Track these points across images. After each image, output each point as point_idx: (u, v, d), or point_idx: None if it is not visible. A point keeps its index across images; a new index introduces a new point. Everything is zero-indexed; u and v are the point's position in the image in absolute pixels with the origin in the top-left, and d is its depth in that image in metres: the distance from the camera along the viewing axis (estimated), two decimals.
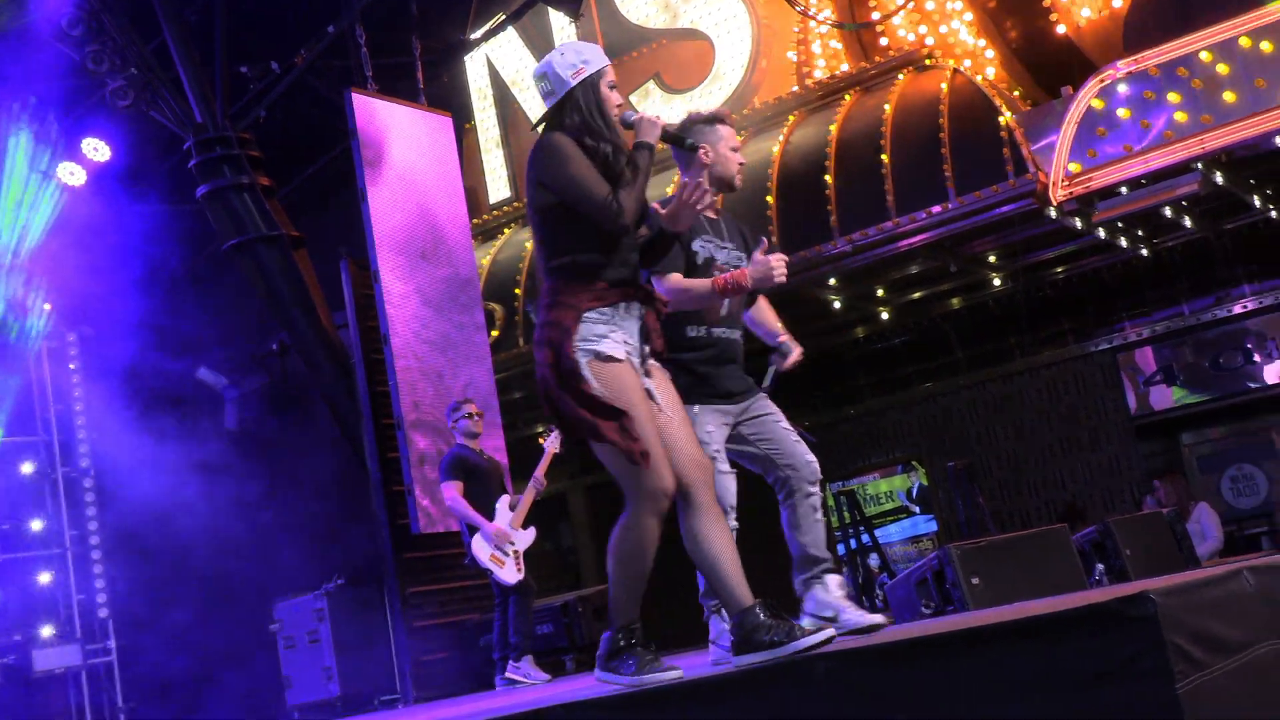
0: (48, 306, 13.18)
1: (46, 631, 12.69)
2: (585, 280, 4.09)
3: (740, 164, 5.01)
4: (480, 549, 8.72)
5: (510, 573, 8.73)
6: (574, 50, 4.28)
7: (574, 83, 4.20)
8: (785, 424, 4.94)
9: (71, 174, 12.96)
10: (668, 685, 3.73)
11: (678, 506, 4.10)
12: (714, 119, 5.03)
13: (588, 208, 4.06)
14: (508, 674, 8.83)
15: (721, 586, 4.03)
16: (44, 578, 12.98)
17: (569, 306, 4.06)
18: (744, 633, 3.87)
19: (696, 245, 4.88)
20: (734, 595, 3.98)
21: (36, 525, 13.03)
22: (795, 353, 5.02)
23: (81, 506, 13.29)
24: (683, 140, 4.36)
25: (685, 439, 4.15)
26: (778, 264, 4.59)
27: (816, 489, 4.88)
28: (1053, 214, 10.05)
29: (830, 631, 3.85)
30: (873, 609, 6.45)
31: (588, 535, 14.38)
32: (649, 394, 4.12)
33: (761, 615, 3.88)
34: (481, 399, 10.64)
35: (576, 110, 4.19)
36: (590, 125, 4.17)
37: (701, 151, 4.71)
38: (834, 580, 4.79)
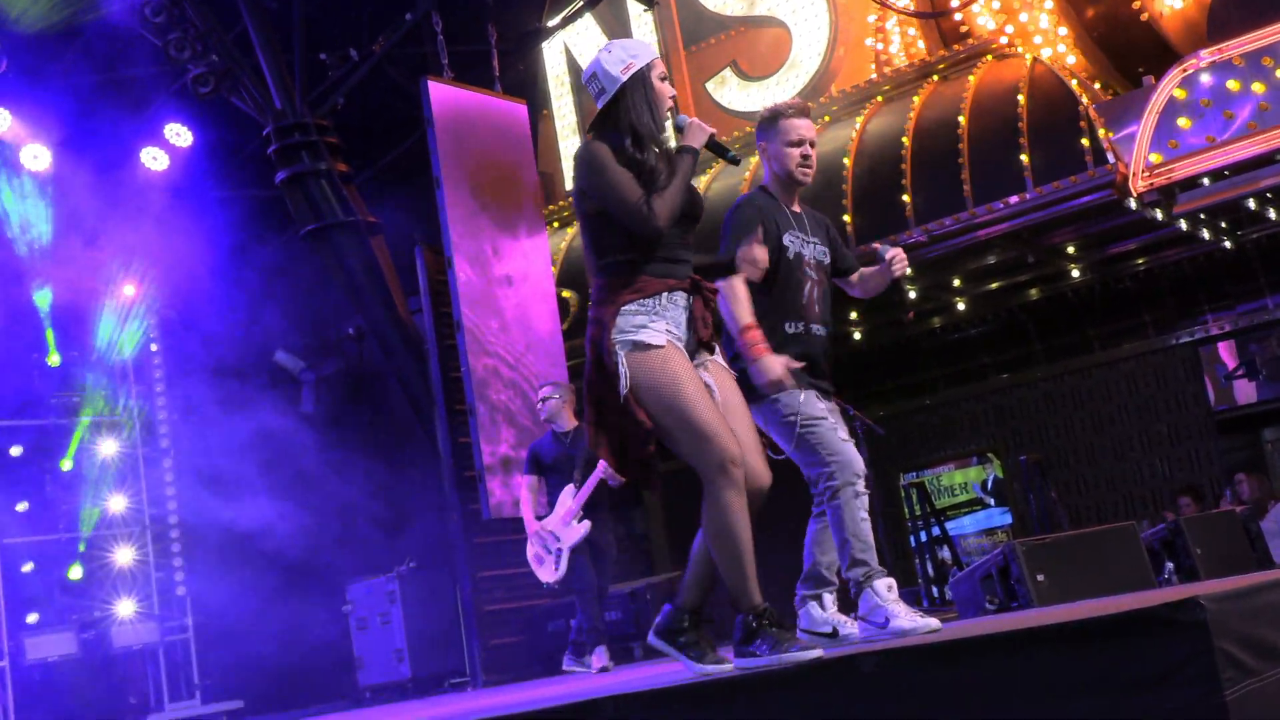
0: (131, 290, 13.45)
1: (126, 609, 12.97)
2: (626, 277, 4.14)
3: (803, 156, 4.98)
4: (528, 548, 8.71)
5: (548, 572, 8.55)
6: (621, 47, 4.31)
7: (624, 79, 4.23)
8: (843, 429, 4.95)
9: (155, 159, 13.21)
10: (723, 679, 3.76)
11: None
12: (774, 114, 5.04)
13: (621, 213, 4.10)
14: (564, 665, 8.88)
15: (730, 581, 4.05)
16: (124, 556, 13.27)
17: (609, 302, 4.12)
18: (742, 635, 3.99)
19: (787, 239, 4.91)
20: (743, 592, 4.02)
21: (118, 504, 13.32)
22: (892, 249, 5.05)
23: (161, 486, 13.56)
24: (725, 151, 4.33)
25: (746, 443, 4.12)
26: (786, 378, 4.62)
27: (866, 490, 4.89)
28: (1133, 205, 9.91)
29: (817, 652, 3.85)
30: (944, 602, 6.42)
31: (660, 523, 14.42)
32: (708, 385, 4.13)
33: (762, 622, 3.97)
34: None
35: (627, 109, 4.23)
36: (638, 123, 4.21)
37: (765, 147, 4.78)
38: (883, 584, 4.72)
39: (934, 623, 4.60)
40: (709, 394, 4.10)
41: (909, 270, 4.71)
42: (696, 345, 4.20)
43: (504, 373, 10.72)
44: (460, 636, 11.07)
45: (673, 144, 4.28)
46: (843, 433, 4.91)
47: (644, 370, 4.03)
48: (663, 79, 4.28)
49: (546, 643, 11.11)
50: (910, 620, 4.57)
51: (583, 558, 8.57)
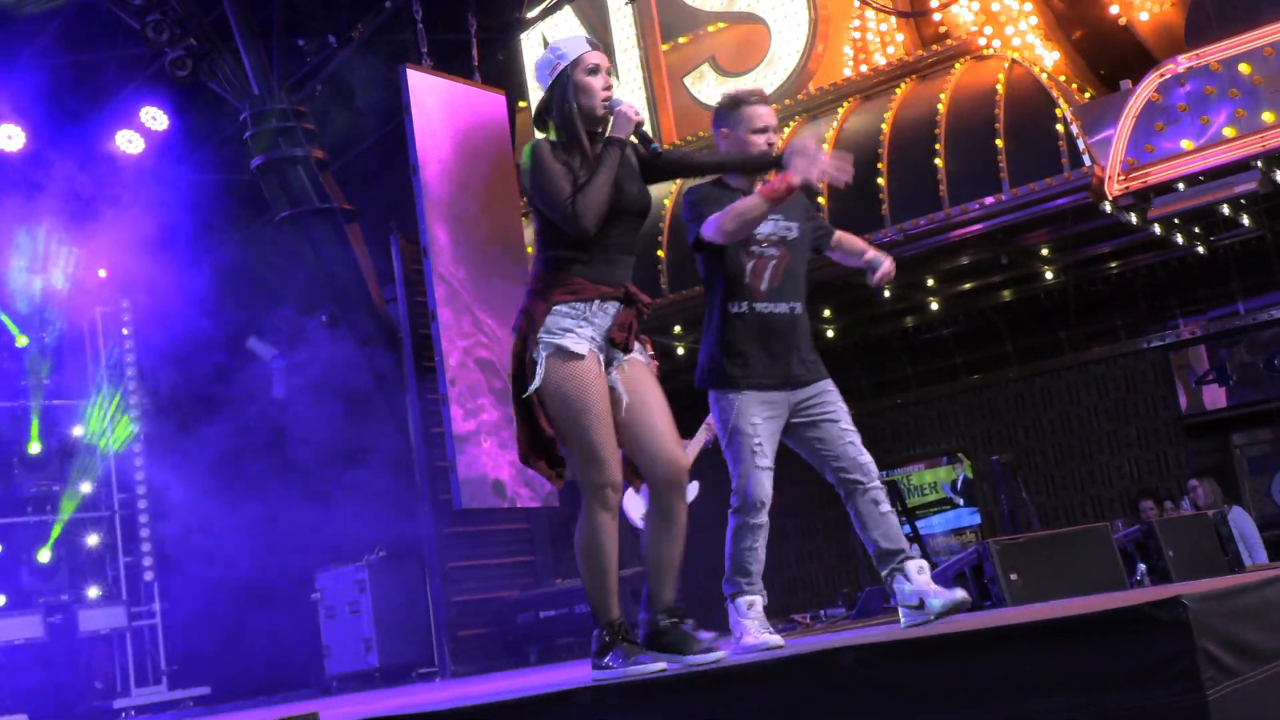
0: (103, 273, 13.35)
1: (93, 593, 12.89)
2: (562, 274, 4.18)
3: (768, 144, 4.94)
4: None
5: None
6: (552, 48, 4.38)
7: (551, 79, 4.29)
8: (845, 424, 4.87)
9: (130, 142, 13.10)
10: (695, 671, 3.73)
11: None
12: (736, 101, 4.96)
13: (549, 212, 4.16)
14: None
15: (591, 595, 4.20)
16: (92, 540, 13.18)
17: (541, 298, 4.18)
18: (599, 645, 4.14)
19: None
20: (603, 606, 4.17)
21: (86, 487, 13.23)
22: (886, 264, 4.96)
23: (130, 471, 13.48)
24: (647, 140, 4.36)
25: (661, 432, 4.22)
26: (816, 147, 4.49)
27: (874, 483, 4.85)
28: (1108, 208, 9.95)
29: (662, 664, 4.00)
30: None
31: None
32: (615, 389, 4.20)
33: (620, 632, 4.12)
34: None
35: (556, 107, 4.29)
36: (560, 123, 4.28)
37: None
38: (914, 566, 4.75)
39: (777, 640, 4.64)
40: (610, 412, 4.16)
41: (841, 172, 4.59)
42: (615, 351, 4.23)
43: (475, 363, 10.67)
44: (429, 626, 11.03)
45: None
46: (846, 425, 4.90)
47: (559, 378, 4.11)
48: (592, 72, 4.27)
49: (516, 634, 11.09)
50: (756, 638, 4.62)
51: None
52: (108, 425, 13.38)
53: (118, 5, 12.09)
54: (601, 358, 4.18)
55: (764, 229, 4.85)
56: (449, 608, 10.84)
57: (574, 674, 5.72)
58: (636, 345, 4.31)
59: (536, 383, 4.11)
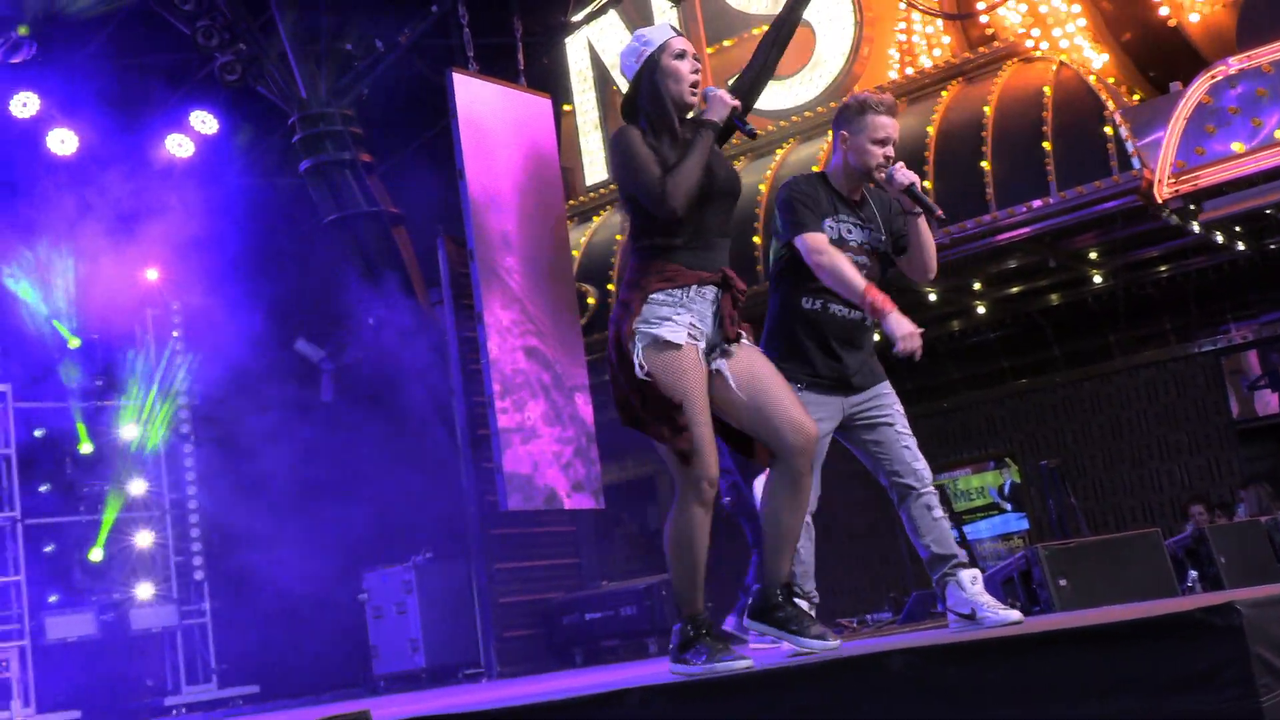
0: (154, 275, 13.50)
1: (145, 591, 13.04)
2: (659, 262, 4.13)
3: (886, 157, 4.90)
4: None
5: None
6: (637, 37, 4.34)
7: (638, 66, 4.26)
8: (901, 427, 4.88)
9: (180, 146, 13.24)
10: (740, 674, 3.74)
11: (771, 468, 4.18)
12: (862, 107, 4.91)
13: (640, 196, 4.11)
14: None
15: (767, 553, 4.13)
16: (143, 539, 13.33)
17: (638, 287, 4.12)
18: (683, 639, 4.06)
19: (827, 224, 4.84)
20: (688, 598, 4.09)
21: (137, 487, 13.39)
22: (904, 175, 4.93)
23: (181, 471, 13.63)
24: (744, 125, 4.30)
25: (785, 401, 4.14)
26: (913, 335, 4.56)
27: (928, 488, 4.85)
28: (1157, 212, 9.87)
29: (749, 661, 3.92)
30: None
31: None
32: (722, 374, 4.13)
33: (700, 631, 4.04)
34: (574, 379, 10.75)
35: (644, 95, 4.25)
36: (650, 110, 4.23)
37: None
38: (968, 575, 4.72)
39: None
40: (728, 394, 4.12)
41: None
42: (721, 339, 4.19)
43: (522, 365, 10.70)
44: (475, 628, 11.08)
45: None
46: (903, 429, 4.90)
47: (654, 368, 4.04)
48: (680, 57, 4.25)
49: (561, 635, 11.12)
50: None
51: None
52: (157, 425, 13.54)
53: (168, 11, 12.24)
54: (702, 345, 4.11)
55: (858, 237, 4.87)
56: (495, 609, 10.89)
57: (621, 675, 5.74)
58: (746, 339, 4.25)
59: (640, 372, 4.02)
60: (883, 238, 4.97)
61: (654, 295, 4.08)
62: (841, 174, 4.98)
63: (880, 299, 4.61)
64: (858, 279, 4.66)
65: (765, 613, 4.19)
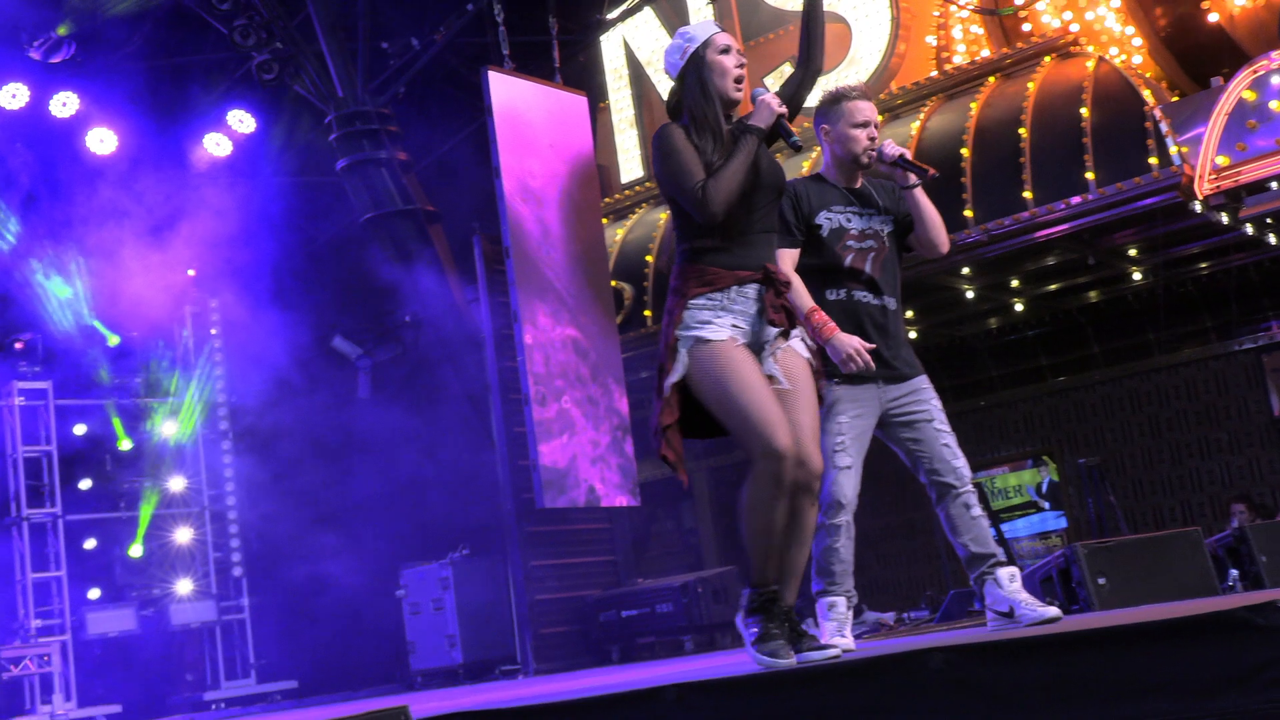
0: (192, 273, 13.60)
1: (184, 587, 13.16)
2: (699, 265, 4.15)
3: (869, 138, 4.95)
4: None
5: None
6: (680, 34, 4.34)
7: (683, 63, 4.26)
8: (940, 423, 4.88)
9: (218, 145, 13.34)
10: (776, 670, 3.75)
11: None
12: (837, 97, 5.00)
13: (680, 198, 4.12)
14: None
15: (750, 556, 4.10)
16: (182, 535, 13.45)
17: (680, 294, 4.14)
18: (748, 604, 4.07)
19: (821, 218, 4.88)
20: (757, 570, 4.08)
21: (176, 484, 13.50)
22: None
23: (220, 467, 13.73)
24: (789, 135, 4.26)
25: (804, 431, 4.11)
26: (859, 352, 4.63)
27: (967, 487, 4.84)
28: (1198, 208, 9.79)
29: (791, 662, 3.92)
30: None
31: (710, 517, 14.43)
32: (773, 376, 4.13)
33: (768, 608, 4.02)
34: (611, 373, 10.78)
35: (689, 92, 4.25)
36: (694, 106, 4.23)
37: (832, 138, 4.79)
38: (1006, 574, 4.72)
39: (844, 644, 4.61)
40: (765, 382, 4.10)
41: (902, 152, 4.74)
42: (769, 334, 4.18)
43: (558, 363, 10.74)
44: (512, 624, 11.13)
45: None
46: (941, 425, 4.88)
47: (703, 363, 4.06)
48: (724, 52, 4.24)
49: (598, 632, 11.15)
50: (828, 640, 4.61)
51: None
52: (196, 422, 13.66)
53: (205, 10, 12.33)
54: (745, 342, 4.12)
55: (858, 224, 4.90)
56: (531, 606, 10.93)
57: (658, 672, 5.75)
58: (796, 332, 4.25)
59: (675, 377, 4.07)
60: (889, 224, 4.98)
61: (694, 301, 4.10)
62: (833, 167, 5.03)
63: (821, 321, 4.69)
64: (804, 300, 4.73)
65: (748, 614, 4.13)
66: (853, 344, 4.65)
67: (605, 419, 10.90)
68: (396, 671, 12.51)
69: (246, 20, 12.34)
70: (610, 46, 13.61)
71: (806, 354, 4.27)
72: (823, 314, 4.71)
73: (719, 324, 4.08)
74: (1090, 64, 10.44)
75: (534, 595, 10.98)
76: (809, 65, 4.48)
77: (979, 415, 12.87)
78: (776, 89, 4.36)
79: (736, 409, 4.03)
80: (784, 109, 4.24)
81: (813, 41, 4.48)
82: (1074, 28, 11.04)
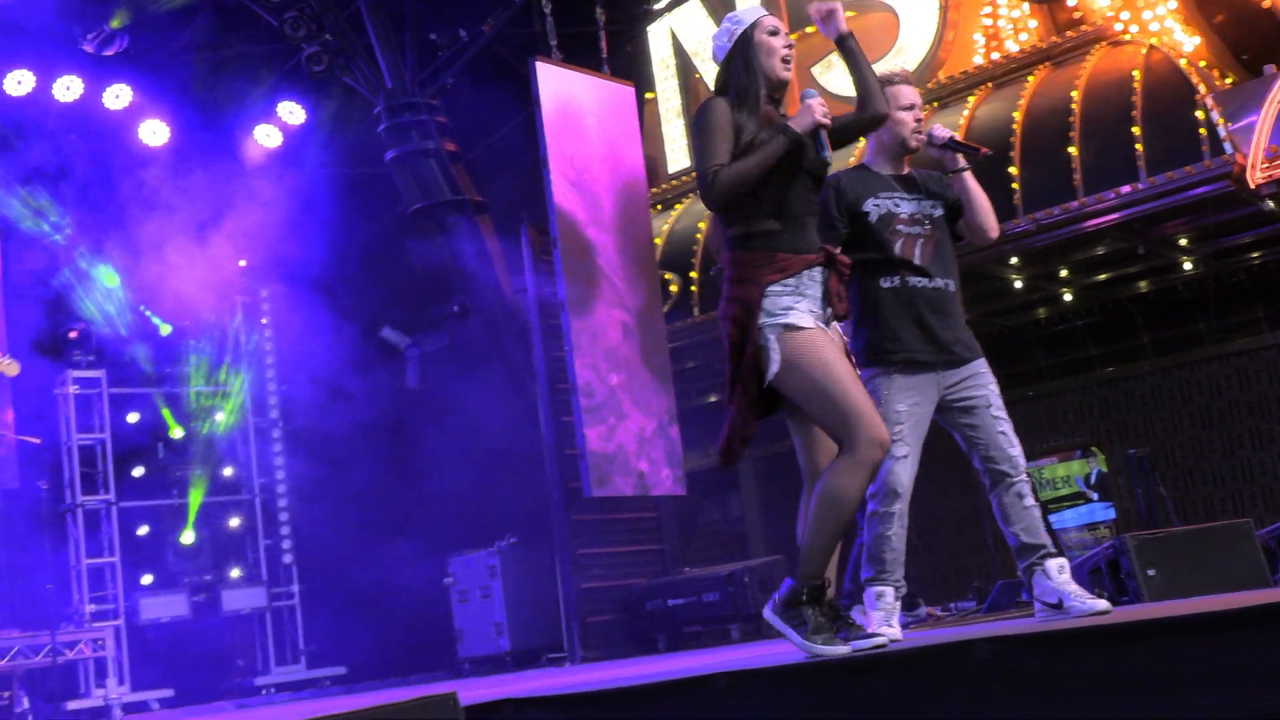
0: (243, 264, 13.72)
1: (235, 573, 13.29)
2: (765, 251, 4.13)
3: (916, 120, 4.95)
4: None
5: None
6: (728, 18, 4.37)
7: (731, 44, 4.29)
8: (997, 409, 4.84)
9: (268, 136, 13.44)
10: (828, 659, 3.76)
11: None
12: (883, 82, 4.99)
13: (698, 172, 4.13)
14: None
15: (813, 544, 4.07)
16: (233, 522, 13.59)
17: (753, 282, 4.10)
18: (792, 596, 4.04)
19: (868, 205, 4.87)
20: (816, 561, 4.05)
21: (227, 471, 13.64)
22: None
23: (270, 456, 13.86)
24: (822, 147, 4.18)
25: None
26: (815, 102, 4.20)
27: (1021, 476, 4.82)
28: (1249, 197, 9.69)
29: (845, 650, 3.93)
30: None
31: (756, 507, 14.43)
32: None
33: (819, 599, 4.01)
34: (658, 362, 10.81)
35: (735, 69, 4.27)
36: (738, 83, 4.24)
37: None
38: (1055, 565, 4.70)
39: (891, 634, 4.54)
40: (854, 372, 4.13)
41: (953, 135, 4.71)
42: (830, 317, 4.20)
43: (605, 353, 10.77)
44: (559, 612, 11.17)
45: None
46: (999, 412, 4.86)
47: (793, 353, 4.04)
48: (773, 33, 4.26)
49: (644, 621, 11.18)
50: (876, 629, 4.55)
51: None
52: (247, 411, 13.79)
53: (256, 2, 12.42)
54: (824, 326, 4.14)
55: (907, 209, 4.88)
56: (578, 594, 10.97)
57: (706, 661, 5.77)
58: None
59: (775, 368, 4.03)
60: (939, 208, 4.97)
61: (772, 288, 4.09)
62: (879, 154, 5.02)
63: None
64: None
65: (787, 606, 4.12)
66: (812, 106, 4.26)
67: (653, 407, 10.93)
68: (444, 658, 12.58)
69: (297, 12, 12.43)
70: (657, 37, 13.61)
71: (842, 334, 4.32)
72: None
73: (801, 309, 4.09)
74: (1141, 52, 10.35)
75: (581, 583, 11.02)
76: (863, 111, 4.43)
77: (1027, 406, 12.78)
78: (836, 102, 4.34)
79: (835, 399, 4.02)
80: (827, 120, 4.18)
81: (861, 92, 4.42)
82: (1124, 15, 10.94)
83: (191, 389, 13.54)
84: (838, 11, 4.38)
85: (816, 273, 4.17)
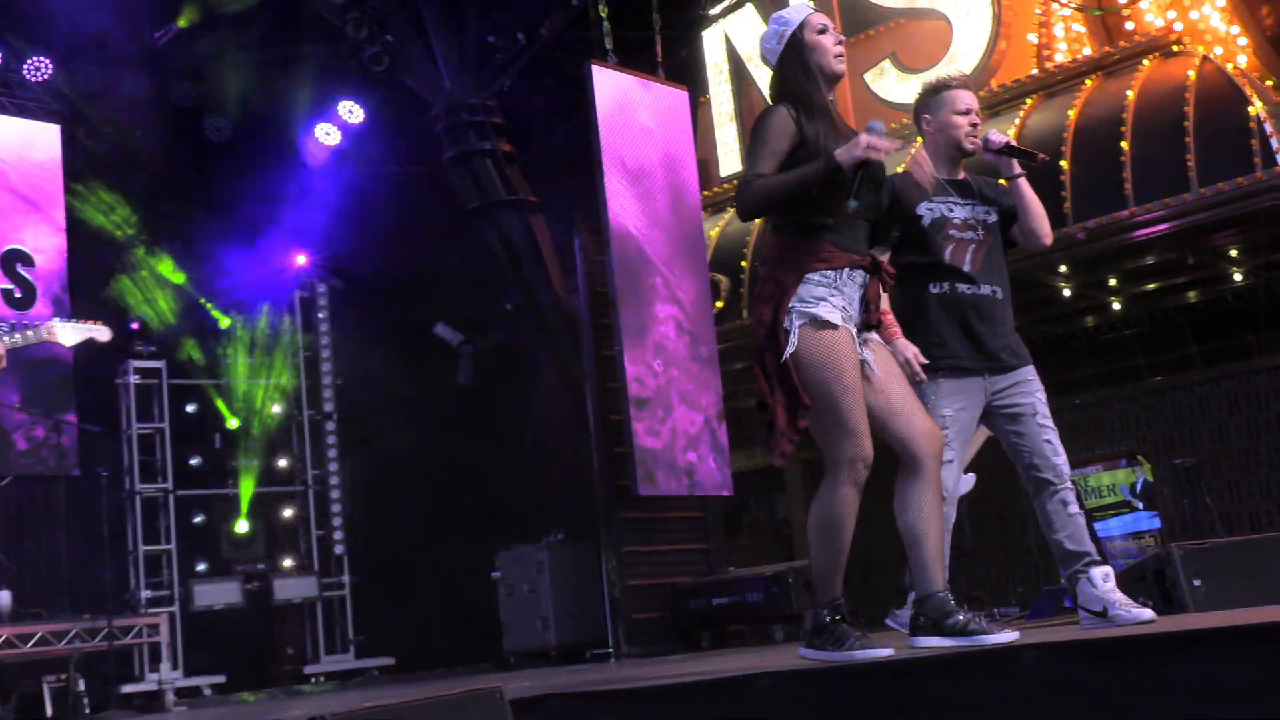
0: (303, 259, 13.83)
1: (287, 563, 13.40)
2: (812, 243, 4.09)
3: (972, 125, 4.91)
4: None
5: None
6: (774, 19, 4.37)
7: (781, 48, 4.27)
8: (1043, 417, 4.79)
9: (328, 134, 13.54)
10: (871, 662, 3.74)
11: (898, 473, 4.15)
12: (938, 87, 4.97)
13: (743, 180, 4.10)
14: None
15: (918, 563, 4.08)
16: (287, 512, 13.70)
17: (792, 266, 4.08)
18: (929, 616, 3.99)
19: (922, 209, 4.83)
20: (928, 575, 4.04)
21: (282, 462, 13.75)
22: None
23: (324, 448, 13.96)
24: (852, 187, 4.02)
25: (911, 408, 4.15)
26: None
27: (1065, 484, 4.78)
28: None
29: (889, 650, 3.90)
30: None
31: (802, 509, 14.38)
32: (865, 364, 4.13)
33: (949, 602, 3.99)
34: (706, 366, 10.81)
35: (789, 75, 4.26)
36: (795, 89, 4.22)
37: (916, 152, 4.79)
38: (1100, 573, 4.65)
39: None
40: (864, 384, 4.09)
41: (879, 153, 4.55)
42: (864, 325, 4.18)
43: (654, 354, 10.77)
44: (604, 608, 11.18)
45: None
46: (1044, 420, 4.82)
47: (812, 347, 4.01)
48: (822, 31, 4.25)
49: (688, 619, 11.17)
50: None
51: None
52: (302, 404, 13.89)
53: (319, 3, 12.52)
54: (854, 329, 4.11)
55: (961, 213, 4.84)
56: (624, 591, 10.98)
57: (749, 661, 5.76)
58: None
59: (789, 351, 4.00)
60: (992, 213, 4.92)
61: (810, 275, 4.06)
62: (935, 158, 4.95)
63: (890, 323, 4.58)
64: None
65: (937, 625, 4.04)
66: (910, 351, 4.58)
67: (701, 404, 10.94)
68: (490, 651, 12.62)
69: (359, 13, 12.52)
70: (711, 42, 13.59)
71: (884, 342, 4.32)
72: (891, 316, 4.65)
73: (833, 304, 4.05)
74: (1194, 63, 10.23)
75: (626, 580, 11.03)
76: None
77: (1074, 414, 12.66)
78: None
79: (835, 408, 4.00)
80: (876, 157, 3.99)
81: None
82: (1178, 27, 10.82)
83: (247, 381, 13.66)
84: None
85: (858, 275, 4.14)
